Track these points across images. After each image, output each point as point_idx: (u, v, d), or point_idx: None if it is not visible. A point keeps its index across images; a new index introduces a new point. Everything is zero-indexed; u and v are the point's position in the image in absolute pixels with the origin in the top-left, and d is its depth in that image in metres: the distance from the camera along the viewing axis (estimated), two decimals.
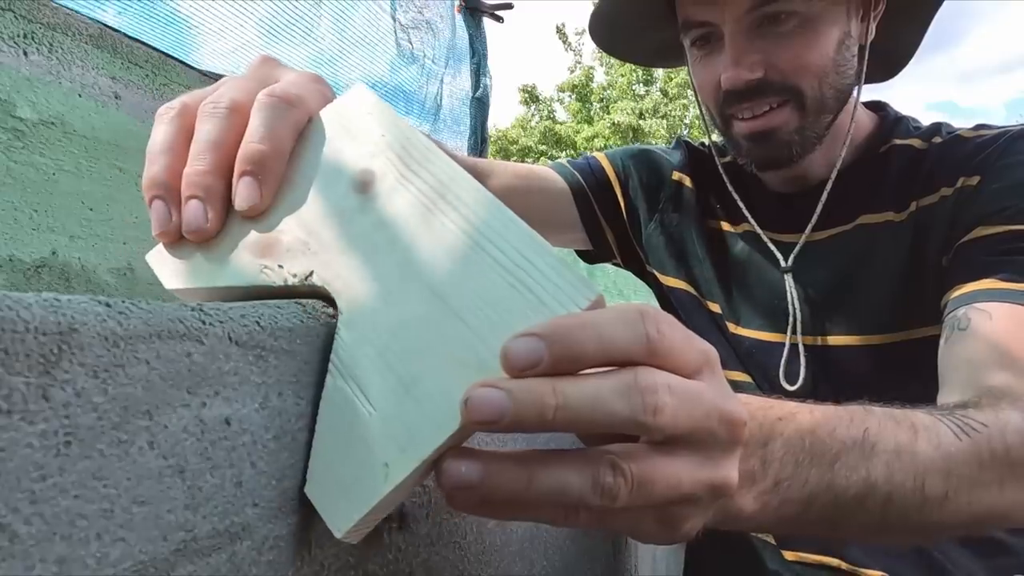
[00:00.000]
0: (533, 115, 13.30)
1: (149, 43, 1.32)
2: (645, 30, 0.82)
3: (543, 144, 12.37)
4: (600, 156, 0.96)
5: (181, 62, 1.41)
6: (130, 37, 1.29)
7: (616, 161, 0.95)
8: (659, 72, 12.41)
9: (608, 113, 11.86)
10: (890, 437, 0.42)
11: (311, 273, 0.32)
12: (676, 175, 0.92)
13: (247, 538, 0.26)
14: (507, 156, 12.53)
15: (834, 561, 0.76)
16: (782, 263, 0.79)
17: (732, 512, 0.34)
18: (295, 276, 0.32)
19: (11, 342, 0.18)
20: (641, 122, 11.31)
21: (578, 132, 12.08)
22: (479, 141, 2.82)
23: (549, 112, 13.30)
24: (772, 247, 0.80)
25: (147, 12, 1.39)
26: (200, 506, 0.24)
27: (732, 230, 0.86)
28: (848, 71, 0.72)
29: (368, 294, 0.30)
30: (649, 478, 0.27)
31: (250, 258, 0.33)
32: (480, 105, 2.79)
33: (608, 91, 12.52)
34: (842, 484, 0.38)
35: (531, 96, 13.20)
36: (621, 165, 0.95)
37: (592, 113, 12.50)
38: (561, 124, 12.72)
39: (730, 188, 0.84)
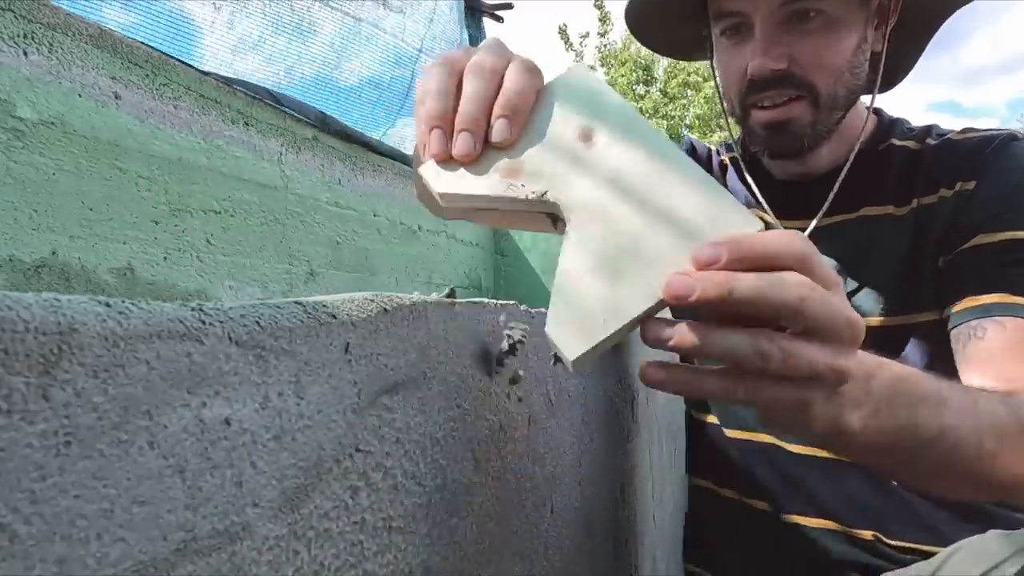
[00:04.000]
0: None
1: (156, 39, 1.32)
2: (676, 22, 0.87)
3: None
4: None
5: (181, 62, 1.41)
6: (130, 37, 1.29)
7: None
8: (659, 72, 12.40)
9: None
10: (958, 396, 0.51)
11: (545, 192, 0.44)
12: None
13: (247, 538, 0.26)
14: None
15: (829, 523, 0.80)
16: None
17: (842, 427, 0.42)
18: (534, 193, 0.44)
19: (11, 342, 0.18)
20: None
21: None
22: None
23: None
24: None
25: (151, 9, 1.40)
26: (200, 506, 0.24)
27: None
28: (861, 73, 0.78)
29: (591, 210, 0.43)
30: (794, 352, 0.36)
31: (499, 178, 0.45)
32: None
33: None
34: (922, 425, 0.47)
35: None
36: None
37: None
38: None
39: (747, 175, 0.90)
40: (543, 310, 0.66)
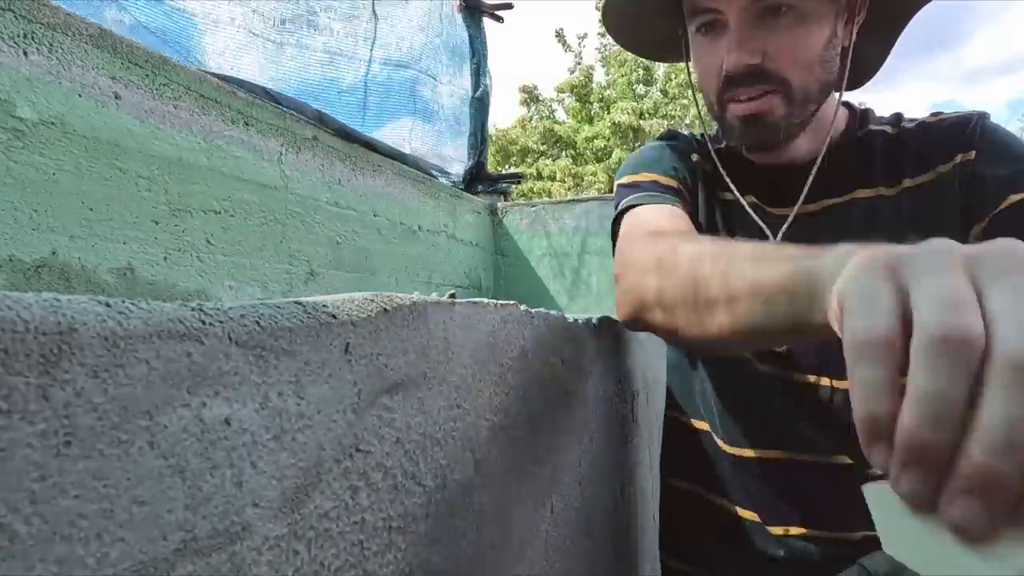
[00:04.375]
0: (533, 115, 13.31)
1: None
2: (650, 20, 0.90)
3: (543, 144, 12.38)
4: (659, 177, 0.95)
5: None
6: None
7: (672, 172, 0.96)
8: (659, 72, 12.39)
9: (608, 113, 11.86)
10: None
11: None
12: (695, 157, 0.98)
13: (247, 538, 0.26)
14: (507, 156, 12.51)
15: (816, 532, 0.82)
16: (770, 238, 0.87)
17: None
18: None
19: (11, 342, 0.18)
20: (641, 122, 11.31)
21: (578, 132, 12.08)
22: (479, 141, 2.82)
23: (549, 112, 13.31)
24: (757, 218, 0.88)
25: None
26: (200, 506, 0.24)
27: (737, 201, 0.94)
28: (832, 68, 0.81)
29: None
30: None
31: None
32: (480, 105, 2.79)
33: (608, 91, 12.52)
34: None
35: (531, 96, 13.21)
36: (676, 173, 0.96)
37: (592, 113, 12.50)
38: (561, 124, 12.72)
39: (719, 166, 0.92)
40: (543, 310, 0.66)
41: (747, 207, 0.89)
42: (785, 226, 0.85)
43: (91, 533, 0.20)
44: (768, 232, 0.87)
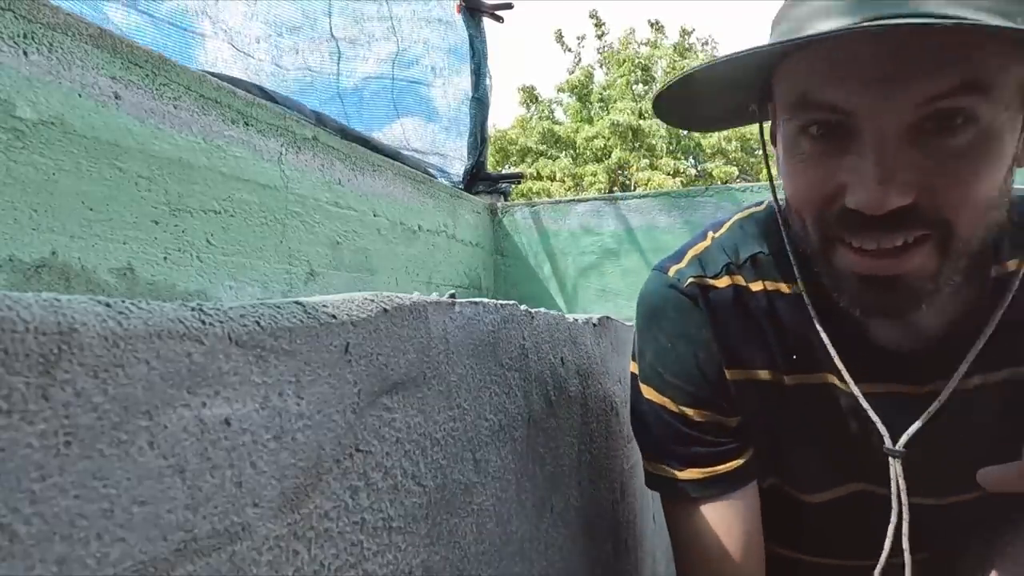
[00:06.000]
0: (532, 116, 13.31)
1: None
2: (714, 97, 0.63)
3: (543, 144, 12.37)
4: (692, 413, 0.67)
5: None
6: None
7: (709, 397, 0.68)
8: (659, 73, 12.41)
9: (607, 113, 11.85)
10: None
11: None
12: (752, 326, 0.67)
13: (247, 538, 0.26)
14: (507, 156, 12.51)
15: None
16: (887, 443, 0.60)
17: None
18: None
19: (11, 342, 0.18)
20: (641, 122, 11.30)
21: (578, 132, 12.08)
22: (479, 141, 2.82)
23: (549, 112, 13.31)
24: (873, 415, 0.61)
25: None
26: (200, 506, 0.24)
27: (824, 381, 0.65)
28: (1005, 206, 0.54)
29: None
30: None
31: None
32: (480, 105, 2.80)
33: (608, 91, 12.52)
34: None
35: (530, 97, 13.21)
36: (713, 398, 0.68)
37: (592, 113, 12.50)
38: (560, 124, 12.73)
39: (824, 338, 0.61)
40: (543, 310, 0.66)
41: (862, 400, 0.60)
42: (905, 436, 0.58)
43: (91, 533, 0.20)
44: (887, 438, 0.59)
